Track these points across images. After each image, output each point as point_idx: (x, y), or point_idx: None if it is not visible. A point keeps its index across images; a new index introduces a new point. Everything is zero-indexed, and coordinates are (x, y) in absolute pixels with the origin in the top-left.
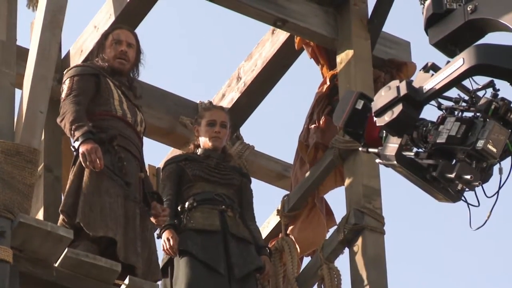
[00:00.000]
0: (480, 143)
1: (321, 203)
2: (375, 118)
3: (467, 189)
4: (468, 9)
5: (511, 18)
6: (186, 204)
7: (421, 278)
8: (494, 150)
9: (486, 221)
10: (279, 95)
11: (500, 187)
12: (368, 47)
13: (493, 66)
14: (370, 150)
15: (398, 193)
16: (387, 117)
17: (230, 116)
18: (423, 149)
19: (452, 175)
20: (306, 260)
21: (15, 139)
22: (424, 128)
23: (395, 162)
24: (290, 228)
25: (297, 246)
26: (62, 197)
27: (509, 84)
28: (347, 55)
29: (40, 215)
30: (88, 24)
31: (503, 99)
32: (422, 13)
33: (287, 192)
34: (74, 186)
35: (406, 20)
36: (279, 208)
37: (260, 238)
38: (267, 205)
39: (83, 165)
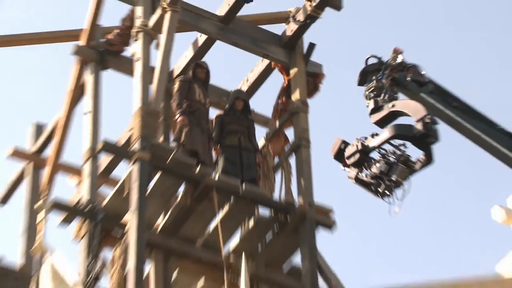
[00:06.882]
0: (394, 177)
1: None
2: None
3: (388, 193)
4: (390, 105)
5: (410, 109)
6: (223, 134)
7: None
8: (401, 179)
9: (398, 212)
10: (267, 90)
11: (403, 198)
12: (303, 66)
13: (401, 135)
14: (347, 169)
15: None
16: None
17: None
18: (367, 173)
19: (383, 187)
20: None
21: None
22: (370, 164)
23: (354, 181)
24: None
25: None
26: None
27: (411, 143)
28: (294, 70)
29: None
30: (179, 59)
31: (403, 153)
32: (367, 106)
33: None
34: (176, 134)
35: (321, 54)
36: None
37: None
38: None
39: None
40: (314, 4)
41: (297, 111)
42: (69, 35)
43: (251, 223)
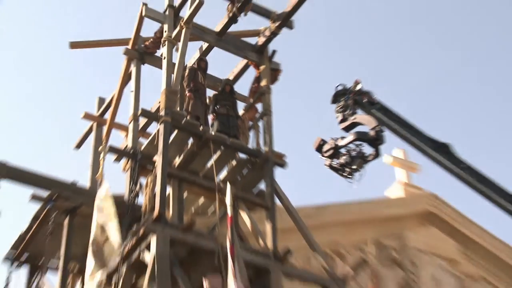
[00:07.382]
0: (354, 166)
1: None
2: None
3: (350, 176)
4: (352, 118)
5: (365, 121)
6: (217, 107)
7: None
8: (359, 168)
9: (356, 188)
10: (245, 79)
11: (359, 179)
12: (268, 64)
13: (360, 138)
14: (323, 158)
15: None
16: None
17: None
18: (337, 162)
19: (348, 172)
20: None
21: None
22: (339, 156)
23: (328, 167)
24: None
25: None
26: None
27: (366, 144)
28: (263, 66)
29: None
30: (191, 58)
31: (361, 150)
32: (337, 117)
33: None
34: (186, 105)
35: (281, 55)
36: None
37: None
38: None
39: (187, 96)
40: (276, 25)
41: (264, 93)
42: (121, 42)
43: (234, 162)
